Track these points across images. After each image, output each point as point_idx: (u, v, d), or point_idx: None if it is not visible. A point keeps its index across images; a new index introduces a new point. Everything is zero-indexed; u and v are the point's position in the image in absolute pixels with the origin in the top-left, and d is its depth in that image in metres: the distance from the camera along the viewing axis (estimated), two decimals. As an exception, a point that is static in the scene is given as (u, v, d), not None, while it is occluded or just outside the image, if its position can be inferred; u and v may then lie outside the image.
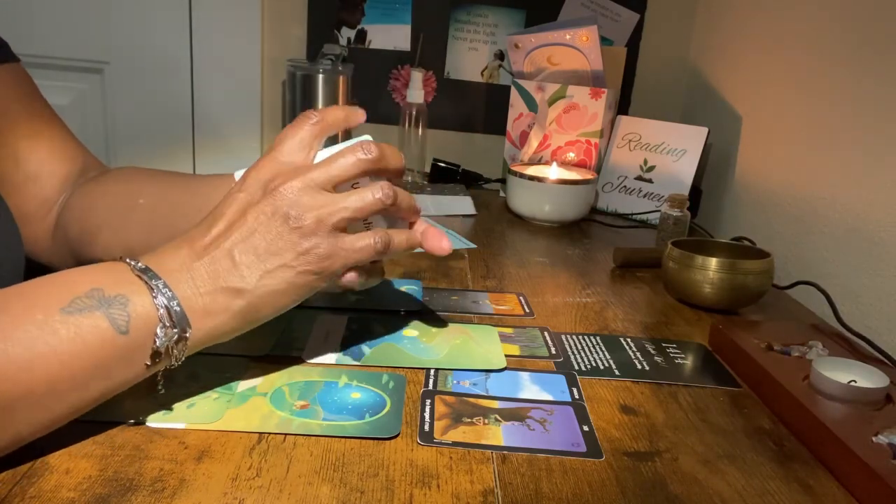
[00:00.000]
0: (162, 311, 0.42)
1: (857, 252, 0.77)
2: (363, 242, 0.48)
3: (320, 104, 1.11)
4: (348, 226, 0.48)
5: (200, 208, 0.61)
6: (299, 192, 0.46)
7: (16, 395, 0.37)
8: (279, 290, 0.46)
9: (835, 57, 0.85)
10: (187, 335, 0.43)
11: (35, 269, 0.67)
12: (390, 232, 0.50)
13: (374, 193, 0.48)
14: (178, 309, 0.42)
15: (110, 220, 0.64)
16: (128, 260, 0.43)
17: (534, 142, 1.16)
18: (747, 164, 1.05)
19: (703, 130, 1.10)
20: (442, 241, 0.53)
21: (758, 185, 1.01)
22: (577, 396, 0.54)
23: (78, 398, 0.40)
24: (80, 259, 0.68)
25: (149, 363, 0.42)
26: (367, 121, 0.54)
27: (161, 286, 0.42)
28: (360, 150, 0.48)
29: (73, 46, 1.26)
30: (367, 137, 0.51)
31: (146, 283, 0.42)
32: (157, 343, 0.41)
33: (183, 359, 0.44)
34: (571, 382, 0.56)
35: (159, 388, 0.45)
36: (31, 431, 0.39)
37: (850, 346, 0.64)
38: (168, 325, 0.42)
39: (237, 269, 0.45)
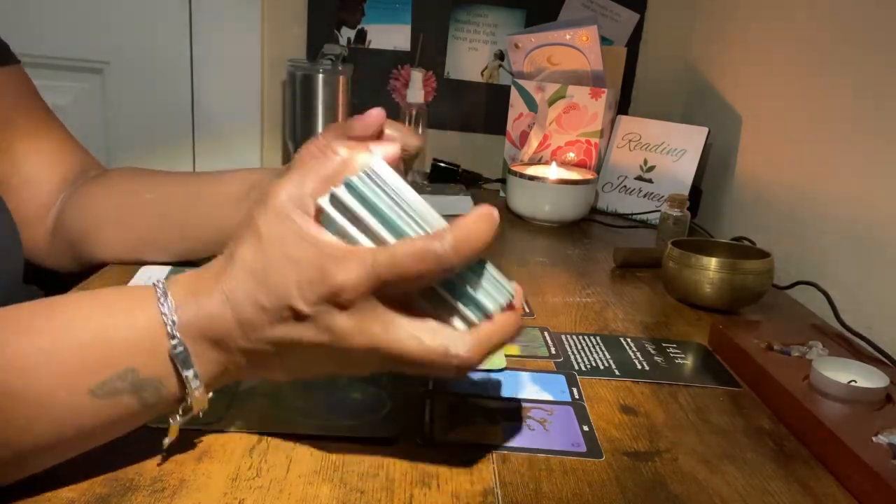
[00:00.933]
0: (189, 397, 0.39)
1: (857, 252, 0.77)
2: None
3: (320, 104, 1.11)
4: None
5: (212, 203, 0.60)
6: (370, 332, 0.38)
7: (32, 461, 0.38)
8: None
9: (835, 57, 0.85)
10: (202, 411, 0.40)
11: (33, 272, 0.66)
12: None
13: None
14: (201, 397, 0.39)
15: (115, 215, 0.63)
16: (165, 317, 0.38)
17: (534, 142, 1.16)
18: (747, 164, 1.05)
19: (703, 130, 1.10)
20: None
21: (758, 185, 1.01)
22: (577, 396, 0.54)
23: (87, 448, 0.40)
24: (81, 260, 0.67)
25: (155, 421, 0.41)
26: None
27: (192, 377, 0.38)
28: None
29: (73, 46, 1.26)
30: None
31: (179, 372, 0.38)
32: (176, 420, 0.40)
33: None
34: (571, 382, 0.56)
35: (165, 442, 0.41)
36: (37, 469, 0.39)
37: (850, 346, 0.64)
38: (190, 407, 0.40)
39: (283, 369, 0.41)
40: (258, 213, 0.39)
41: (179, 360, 0.38)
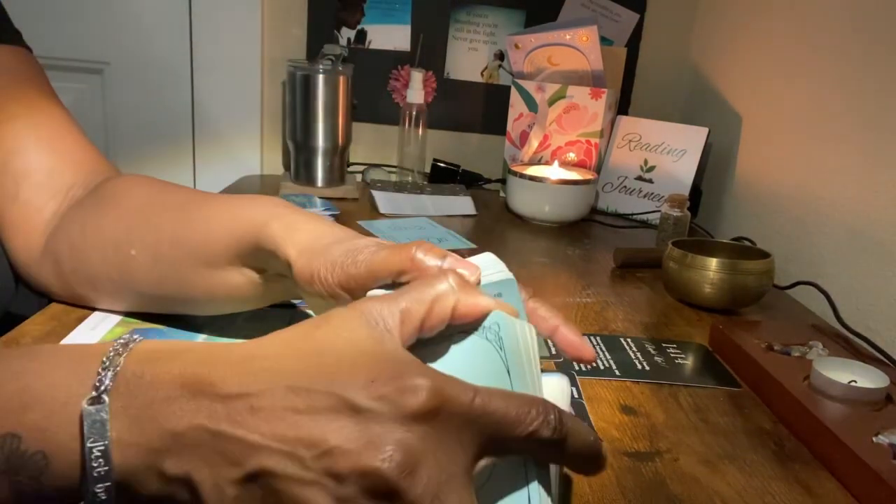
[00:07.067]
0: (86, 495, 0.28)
1: (857, 252, 0.77)
2: None
3: (320, 105, 1.11)
4: None
5: (204, 241, 0.49)
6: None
7: None
8: None
9: (835, 57, 0.85)
10: None
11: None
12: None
13: None
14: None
15: (108, 272, 0.53)
16: (100, 378, 0.28)
17: (534, 142, 1.16)
18: (747, 164, 1.05)
19: (703, 130, 1.10)
20: (582, 351, 0.40)
21: (758, 185, 1.01)
22: (577, 396, 0.54)
23: None
24: (75, 294, 0.57)
25: None
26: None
27: (101, 463, 0.27)
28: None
29: (73, 46, 1.26)
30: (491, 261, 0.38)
31: (84, 444, 0.27)
32: None
33: None
34: (571, 382, 0.56)
35: None
36: None
37: (850, 346, 0.64)
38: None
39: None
40: (332, 311, 0.31)
41: (97, 431, 0.27)
